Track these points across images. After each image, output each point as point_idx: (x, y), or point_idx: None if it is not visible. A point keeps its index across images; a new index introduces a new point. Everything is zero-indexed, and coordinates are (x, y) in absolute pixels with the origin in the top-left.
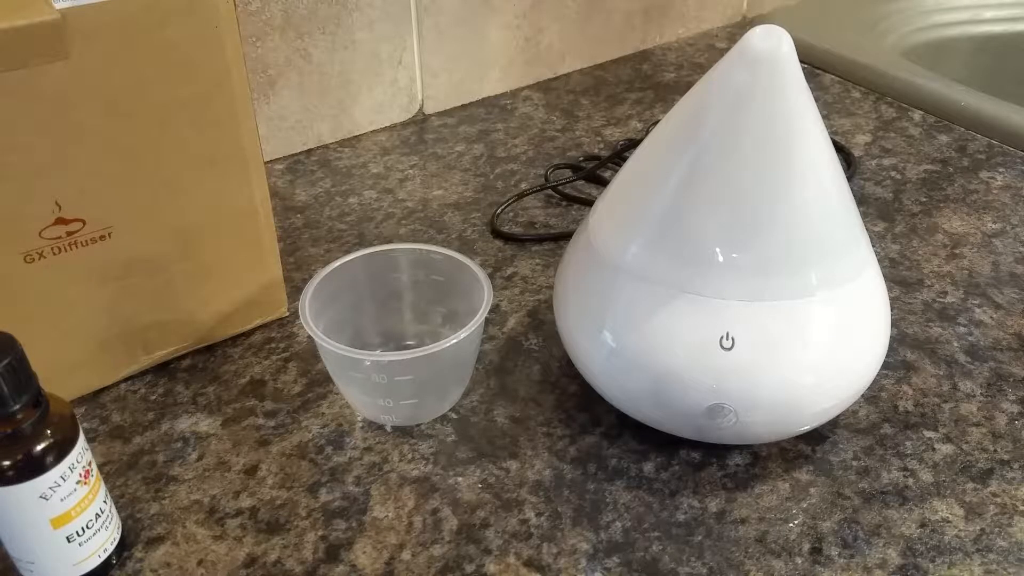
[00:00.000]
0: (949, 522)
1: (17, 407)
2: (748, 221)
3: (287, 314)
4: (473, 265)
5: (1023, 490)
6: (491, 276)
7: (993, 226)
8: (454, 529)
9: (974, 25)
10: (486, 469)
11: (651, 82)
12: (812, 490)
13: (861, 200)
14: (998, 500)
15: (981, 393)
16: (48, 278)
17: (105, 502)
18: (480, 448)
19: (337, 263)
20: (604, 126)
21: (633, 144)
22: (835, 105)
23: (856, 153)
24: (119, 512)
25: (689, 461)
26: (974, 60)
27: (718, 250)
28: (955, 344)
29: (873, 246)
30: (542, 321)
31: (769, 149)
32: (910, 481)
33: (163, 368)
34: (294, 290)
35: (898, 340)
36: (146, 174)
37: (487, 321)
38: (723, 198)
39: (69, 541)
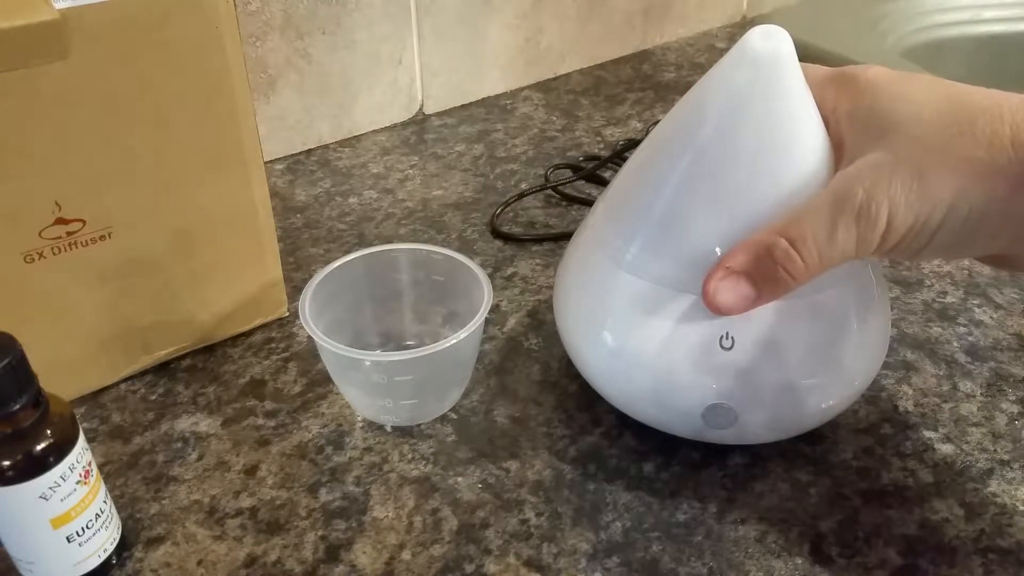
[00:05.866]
0: (949, 522)
1: (17, 407)
2: (748, 221)
3: (287, 314)
4: (473, 265)
5: (1023, 490)
6: (491, 276)
7: None
8: (454, 529)
9: (974, 25)
10: (486, 469)
11: (651, 82)
12: (812, 490)
13: None
14: (998, 500)
15: (981, 393)
16: (48, 278)
17: (105, 502)
18: (480, 448)
19: (337, 263)
20: (604, 126)
21: (633, 144)
22: None
23: None
24: (119, 512)
25: (689, 461)
26: (974, 60)
27: (718, 250)
28: (955, 344)
29: None
30: (542, 321)
31: (769, 149)
32: (910, 481)
33: (163, 368)
34: (294, 290)
35: (898, 340)
36: (146, 174)
37: (487, 321)
38: (723, 198)
39: (69, 541)
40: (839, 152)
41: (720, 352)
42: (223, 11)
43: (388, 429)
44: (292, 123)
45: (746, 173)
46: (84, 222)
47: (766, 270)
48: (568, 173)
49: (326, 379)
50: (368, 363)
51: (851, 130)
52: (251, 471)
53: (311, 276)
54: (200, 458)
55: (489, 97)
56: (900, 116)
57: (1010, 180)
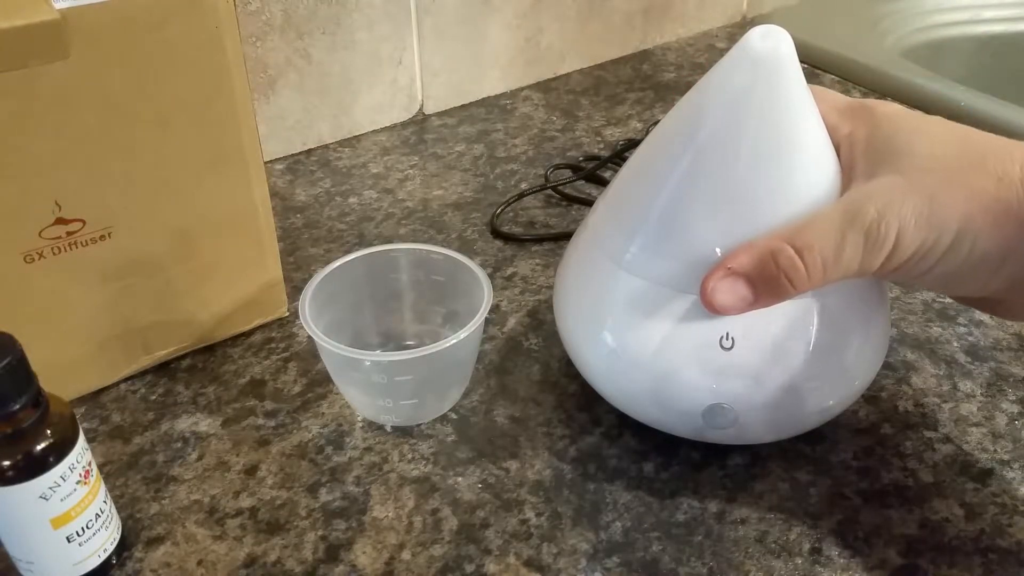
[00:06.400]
0: (949, 522)
1: (17, 407)
2: (748, 221)
3: (287, 314)
4: (473, 265)
5: (1023, 490)
6: (491, 276)
7: None
8: (454, 529)
9: (974, 25)
10: (486, 469)
11: (651, 82)
12: (812, 490)
13: None
14: (998, 500)
15: (981, 393)
16: (48, 278)
17: (105, 502)
18: (480, 448)
19: (337, 263)
20: (604, 126)
21: (633, 144)
22: None
23: None
24: (119, 512)
25: (689, 461)
26: (974, 60)
27: (718, 250)
28: (955, 344)
29: None
30: (542, 321)
31: (769, 149)
32: (910, 481)
33: (163, 368)
34: (294, 290)
35: (898, 340)
36: (146, 174)
37: (487, 321)
38: (723, 198)
39: (69, 541)
40: (848, 176)
41: (720, 352)
42: (223, 11)
43: (388, 429)
44: (292, 123)
45: (746, 173)
46: (84, 222)
47: (768, 275)
48: (568, 173)
49: (326, 379)
50: (368, 363)
51: (865, 155)
52: (251, 471)
53: (311, 276)
54: (200, 458)
55: (489, 97)
56: (915, 147)
57: (1017, 220)
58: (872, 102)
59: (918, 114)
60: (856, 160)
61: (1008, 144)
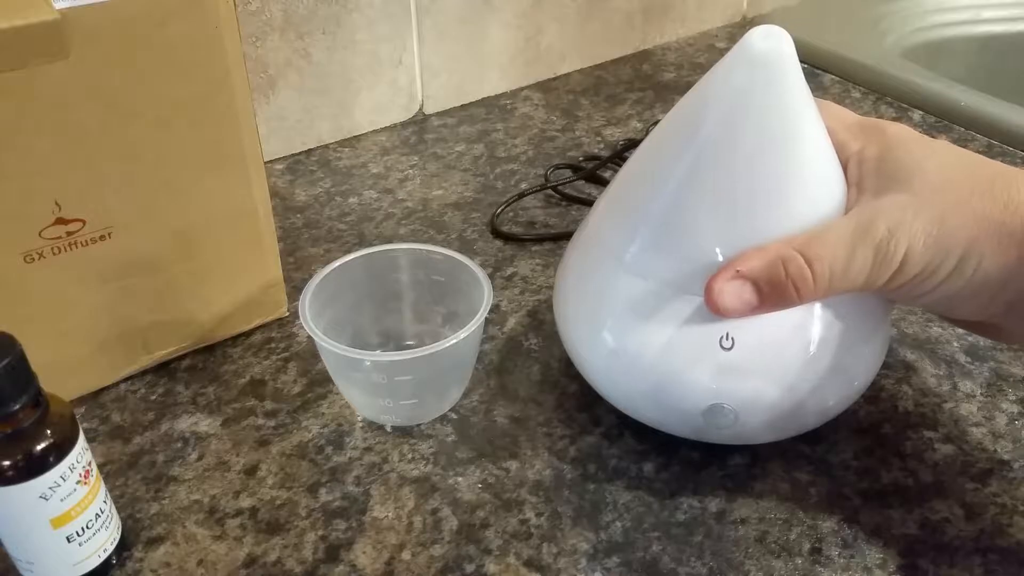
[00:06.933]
0: (949, 522)
1: (17, 407)
2: (748, 221)
3: (287, 314)
4: (473, 265)
5: (1023, 490)
6: (491, 276)
7: None
8: (454, 529)
9: (974, 25)
10: (486, 469)
11: (651, 82)
12: (812, 490)
13: None
14: (998, 500)
15: (981, 393)
16: (48, 278)
17: (105, 502)
18: (480, 448)
19: (337, 263)
20: (604, 126)
21: (633, 144)
22: None
23: None
24: (119, 512)
25: (689, 461)
26: (974, 60)
27: (718, 250)
28: (955, 344)
29: None
30: (542, 321)
31: (769, 149)
32: (910, 481)
33: (163, 368)
34: (294, 290)
35: (898, 340)
36: (146, 174)
37: (487, 321)
38: (723, 198)
39: (69, 541)
40: (857, 191)
41: (720, 352)
42: (223, 11)
43: (388, 429)
44: (292, 123)
45: (747, 173)
46: (84, 222)
47: (777, 281)
48: (568, 173)
49: (326, 379)
50: (368, 363)
51: (876, 173)
52: (251, 471)
53: (311, 276)
54: (200, 458)
55: (489, 97)
56: (927, 169)
57: (1019, 246)
58: (882, 122)
59: (924, 137)
60: (865, 177)
61: (1014, 172)
